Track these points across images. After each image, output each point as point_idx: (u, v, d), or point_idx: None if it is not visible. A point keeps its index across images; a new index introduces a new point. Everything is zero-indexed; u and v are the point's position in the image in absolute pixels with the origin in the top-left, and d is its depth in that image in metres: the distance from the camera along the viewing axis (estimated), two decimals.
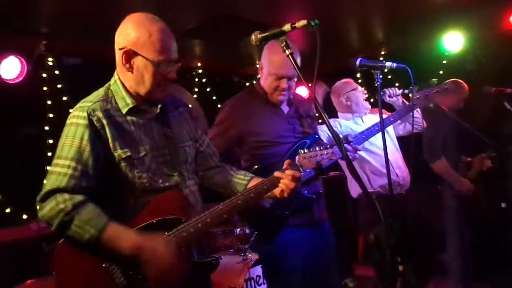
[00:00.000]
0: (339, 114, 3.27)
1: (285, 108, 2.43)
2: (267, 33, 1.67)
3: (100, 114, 1.62)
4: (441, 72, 4.74)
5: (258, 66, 2.46)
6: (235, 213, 1.78)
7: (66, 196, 1.52)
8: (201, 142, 1.93)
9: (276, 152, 2.28)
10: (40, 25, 3.88)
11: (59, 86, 4.10)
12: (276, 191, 1.80)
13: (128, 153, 1.63)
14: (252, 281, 3.24)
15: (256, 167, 2.27)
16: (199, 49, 5.10)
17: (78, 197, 1.54)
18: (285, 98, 2.37)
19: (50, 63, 4.14)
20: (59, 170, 1.56)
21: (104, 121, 1.62)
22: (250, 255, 3.38)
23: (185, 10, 3.88)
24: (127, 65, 1.64)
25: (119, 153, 1.62)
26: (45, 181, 1.57)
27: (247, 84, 5.93)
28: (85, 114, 1.61)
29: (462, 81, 3.47)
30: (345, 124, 3.12)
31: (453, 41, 4.57)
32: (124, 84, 1.69)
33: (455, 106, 3.37)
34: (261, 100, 2.39)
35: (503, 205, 3.69)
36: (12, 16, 3.54)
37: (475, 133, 3.20)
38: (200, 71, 5.45)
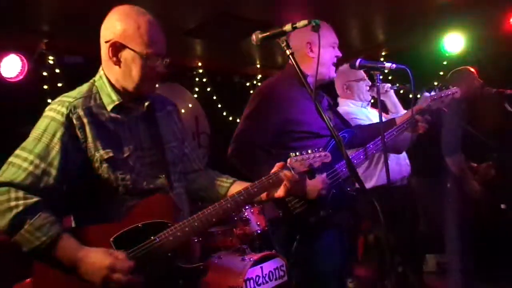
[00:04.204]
0: (340, 99, 3.21)
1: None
2: (267, 33, 1.67)
3: (81, 112, 1.53)
4: (441, 73, 4.74)
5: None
6: (224, 217, 1.73)
7: (21, 194, 1.42)
8: (187, 144, 1.86)
9: (314, 145, 2.09)
10: (41, 24, 3.89)
11: (59, 84, 4.11)
12: (266, 194, 1.73)
13: (111, 154, 1.54)
14: (252, 281, 3.24)
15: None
16: (200, 49, 5.11)
17: (33, 199, 1.43)
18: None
19: (51, 62, 4.14)
20: (20, 163, 1.46)
21: (85, 120, 1.53)
22: (249, 255, 3.39)
23: (186, 9, 3.88)
24: (114, 59, 1.56)
25: (101, 153, 1.53)
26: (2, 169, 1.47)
27: (248, 84, 5.93)
28: (64, 110, 1.52)
29: (462, 68, 3.40)
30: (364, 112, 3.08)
31: (454, 42, 4.57)
32: (110, 80, 1.61)
33: (470, 94, 3.26)
34: (300, 86, 2.11)
35: (502, 206, 3.69)
36: (13, 14, 3.55)
37: (476, 134, 3.20)
38: (200, 70, 5.45)
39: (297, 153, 1.74)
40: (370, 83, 3.08)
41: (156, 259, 1.52)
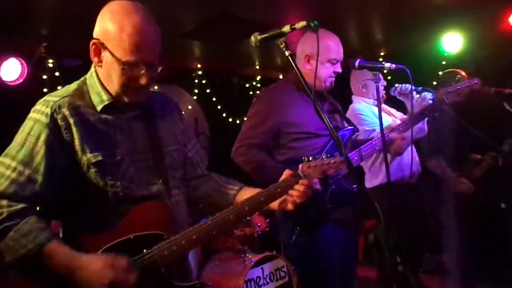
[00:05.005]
0: (354, 96, 3.22)
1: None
2: (266, 34, 1.67)
3: (67, 112, 1.40)
4: (440, 73, 4.74)
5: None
6: (226, 229, 1.62)
7: (4, 202, 1.32)
8: (190, 147, 1.71)
9: (314, 144, 2.24)
10: (40, 27, 3.89)
11: (59, 87, 4.09)
12: (274, 205, 1.62)
13: (99, 157, 1.40)
14: (252, 282, 3.24)
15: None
16: (199, 50, 5.11)
17: (18, 206, 1.32)
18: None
19: (51, 65, 4.14)
20: (3, 171, 1.35)
21: (71, 120, 1.40)
22: (250, 256, 3.39)
23: (184, 11, 3.89)
24: (96, 59, 1.44)
25: (88, 157, 1.40)
26: None
27: (247, 85, 5.94)
28: (48, 110, 1.40)
29: (455, 70, 3.41)
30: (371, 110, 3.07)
31: (452, 42, 4.57)
32: (100, 78, 1.49)
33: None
34: (299, 91, 2.32)
35: (502, 205, 3.69)
36: (13, 18, 3.55)
37: (476, 133, 3.20)
38: (199, 72, 5.45)
39: (310, 158, 1.62)
40: (385, 83, 3.03)
41: (148, 275, 1.38)
